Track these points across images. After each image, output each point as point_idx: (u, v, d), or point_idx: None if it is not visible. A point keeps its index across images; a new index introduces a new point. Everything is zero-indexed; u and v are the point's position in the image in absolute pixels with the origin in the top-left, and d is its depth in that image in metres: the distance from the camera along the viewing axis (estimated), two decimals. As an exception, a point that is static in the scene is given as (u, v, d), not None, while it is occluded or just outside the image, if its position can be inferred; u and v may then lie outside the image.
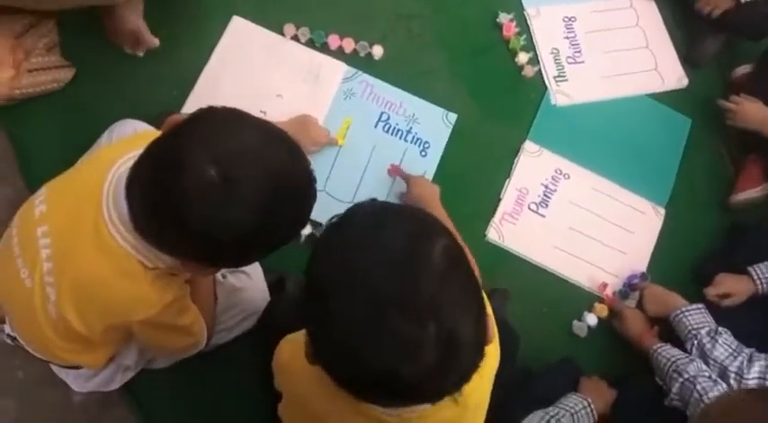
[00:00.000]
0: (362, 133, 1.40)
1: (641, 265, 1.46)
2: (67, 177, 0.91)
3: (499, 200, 1.44)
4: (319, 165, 1.35)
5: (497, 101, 1.52)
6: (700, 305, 1.24)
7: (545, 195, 1.47)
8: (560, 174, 1.49)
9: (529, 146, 1.49)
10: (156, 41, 1.29)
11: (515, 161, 1.47)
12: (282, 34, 1.40)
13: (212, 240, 0.73)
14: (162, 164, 0.71)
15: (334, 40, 1.42)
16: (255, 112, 1.27)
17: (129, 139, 0.97)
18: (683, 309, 1.23)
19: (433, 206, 1.22)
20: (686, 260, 1.49)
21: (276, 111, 1.34)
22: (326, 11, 1.44)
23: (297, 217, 0.80)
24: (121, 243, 0.80)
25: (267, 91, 1.36)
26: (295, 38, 1.41)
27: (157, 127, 1.15)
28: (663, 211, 1.52)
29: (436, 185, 1.28)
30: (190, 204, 0.70)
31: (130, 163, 0.77)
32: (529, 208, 1.45)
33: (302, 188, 0.78)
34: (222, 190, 0.70)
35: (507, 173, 1.46)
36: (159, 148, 0.73)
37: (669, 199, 1.53)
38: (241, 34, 1.38)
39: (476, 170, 1.44)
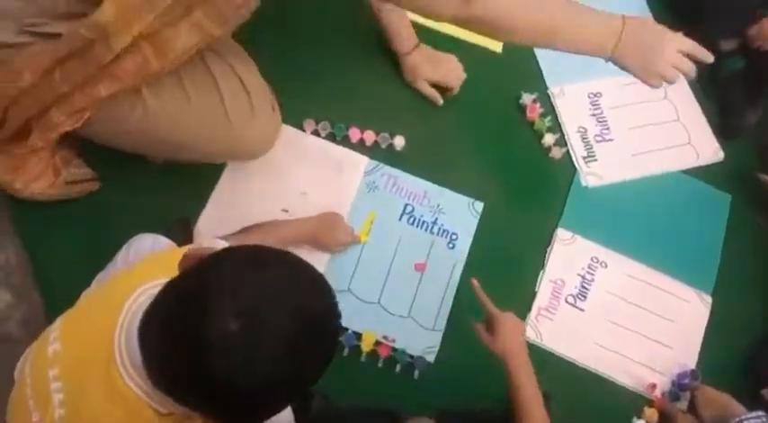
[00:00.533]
0: (387, 227, 1.35)
1: (690, 359, 1.37)
2: (81, 311, 0.87)
3: (534, 294, 1.37)
4: (343, 263, 1.31)
5: (525, 186, 1.47)
6: (760, 413, 1.14)
7: (582, 287, 1.39)
8: (597, 262, 1.42)
9: (562, 233, 1.43)
10: None
11: (548, 251, 1.41)
12: (303, 129, 1.38)
13: (236, 397, 0.67)
14: (177, 322, 0.67)
15: (354, 133, 1.39)
16: (277, 211, 1.30)
17: (142, 267, 0.93)
18: (743, 417, 1.13)
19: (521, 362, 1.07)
20: (739, 352, 1.39)
21: (299, 208, 1.31)
22: (346, 104, 1.42)
23: (324, 357, 0.74)
24: (134, 389, 0.75)
25: (289, 189, 1.33)
26: (315, 133, 1.38)
27: (174, 236, 1.13)
28: (709, 299, 1.42)
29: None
30: (211, 360, 0.65)
31: (142, 299, 0.73)
32: (566, 301, 1.38)
33: (330, 328, 0.73)
34: (247, 344, 0.65)
35: (541, 263, 1.39)
36: (174, 301, 0.69)
37: (715, 284, 1.45)
38: None
39: (507, 262, 1.38)
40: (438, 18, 1.07)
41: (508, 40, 1.17)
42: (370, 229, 1.34)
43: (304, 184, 1.34)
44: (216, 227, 1.26)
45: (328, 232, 1.24)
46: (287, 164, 1.35)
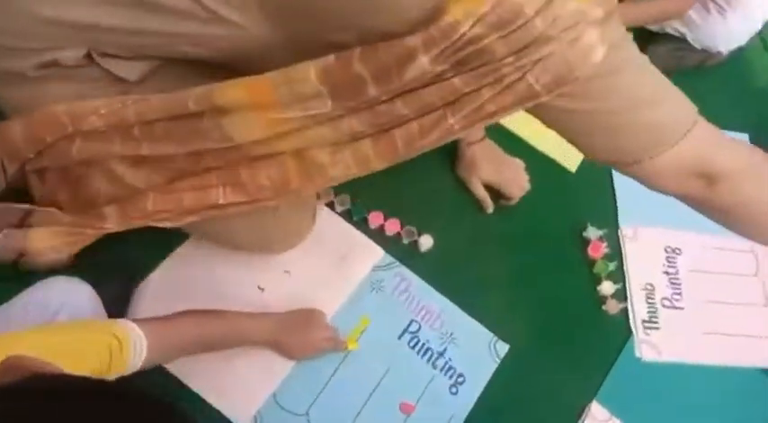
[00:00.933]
0: (380, 343, 1.06)
1: None
2: None
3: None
4: (308, 377, 1.01)
5: (565, 338, 1.17)
6: None
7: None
8: (634, 460, 1.10)
9: (597, 411, 1.10)
10: None
11: (577, 430, 1.09)
12: (317, 196, 1.14)
13: None
14: None
15: (376, 218, 1.14)
16: (252, 288, 1.03)
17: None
18: None
19: None
20: None
21: (277, 290, 1.05)
22: (375, 183, 1.17)
23: None
24: None
25: (272, 262, 1.07)
26: (330, 205, 1.14)
27: (108, 291, 0.88)
28: None
29: None
30: None
31: None
32: None
33: None
34: None
35: (564, 445, 1.08)
36: None
37: None
38: None
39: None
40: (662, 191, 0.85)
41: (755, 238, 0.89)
42: (359, 337, 1.06)
43: (292, 260, 1.07)
44: (164, 293, 1.00)
45: (302, 335, 0.97)
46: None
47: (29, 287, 0.78)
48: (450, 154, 1.24)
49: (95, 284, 0.85)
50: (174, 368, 0.94)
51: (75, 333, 0.67)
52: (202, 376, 0.95)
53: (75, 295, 0.78)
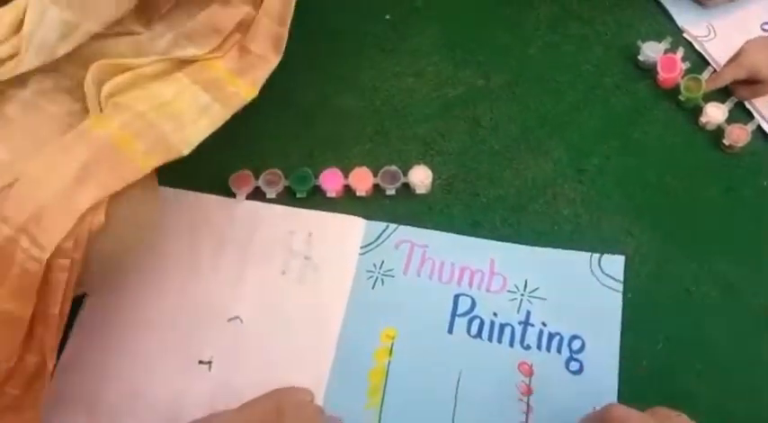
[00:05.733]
0: (426, 356, 0.67)
1: None
2: None
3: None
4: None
5: (692, 211, 0.76)
6: None
7: None
8: None
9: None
10: None
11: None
12: (231, 193, 0.78)
13: None
14: None
15: (331, 180, 0.76)
16: (193, 369, 0.63)
17: None
18: None
19: None
20: None
21: (231, 356, 0.67)
22: (307, 134, 0.81)
23: None
24: None
25: (210, 313, 0.69)
26: (256, 194, 0.77)
27: None
28: None
29: None
30: None
31: None
32: None
33: None
34: None
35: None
36: None
37: None
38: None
39: (711, 376, 0.66)
40: None
41: None
42: (388, 367, 0.67)
43: (237, 301, 0.70)
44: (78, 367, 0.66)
45: None
46: (199, 267, 0.73)
47: None
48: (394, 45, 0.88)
49: None
50: None
51: None
52: None
53: None
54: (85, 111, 0.56)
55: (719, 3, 0.90)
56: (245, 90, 0.61)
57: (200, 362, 0.66)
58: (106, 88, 0.54)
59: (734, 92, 0.83)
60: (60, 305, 0.51)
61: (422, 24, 0.93)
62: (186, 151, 0.56)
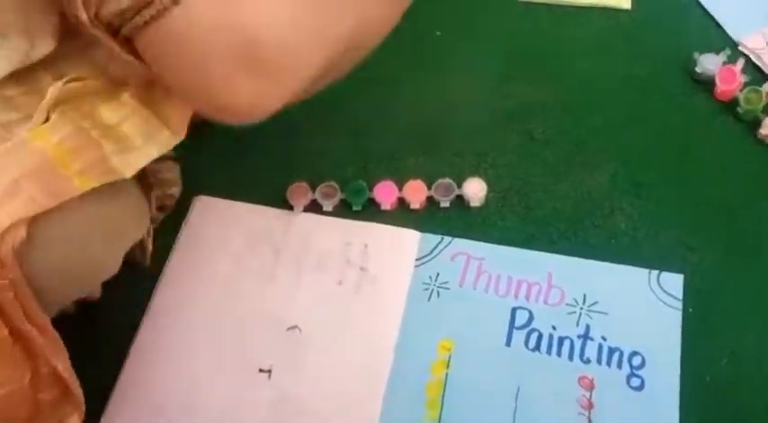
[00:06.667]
0: (482, 367, 0.68)
1: None
2: None
3: None
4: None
5: (755, 229, 0.76)
6: None
7: None
8: None
9: None
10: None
11: None
12: (289, 205, 0.80)
13: None
14: None
15: (386, 192, 0.77)
16: (252, 375, 0.64)
17: None
18: None
19: None
20: None
21: (289, 363, 0.68)
22: (363, 145, 0.83)
23: None
24: None
25: (269, 323, 0.71)
26: (313, 206, 0.79)
27: None
28: None
29: None
30: None
31: None
32: None
33: None
34: None
35: None
36: None
37: None
38: (212, 225, 0.77)
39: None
40: None
41: None
42: (446, 382, 0.68)
43: (293, 310, 0.72)
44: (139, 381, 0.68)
45: None
46: (260, 278, 0.75)
47: None
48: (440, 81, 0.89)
49: None
50: None
51: None
52: None
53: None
54: (25, 120, 0.51)
55: None
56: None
57: (261, 370, 0.68)
58: (54, 93, 0.50)
59: None
60: (32, 320, 0.49)
61: (471, 39, 0.94)
62: (129, 175, 0.52)
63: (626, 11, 0.95)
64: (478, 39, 0.94)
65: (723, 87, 0.84)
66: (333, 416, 0.66)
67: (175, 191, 0.78)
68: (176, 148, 0.55)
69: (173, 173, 0.76)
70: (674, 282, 0.70)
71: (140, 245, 0.71)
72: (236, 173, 0.83)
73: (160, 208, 0.74)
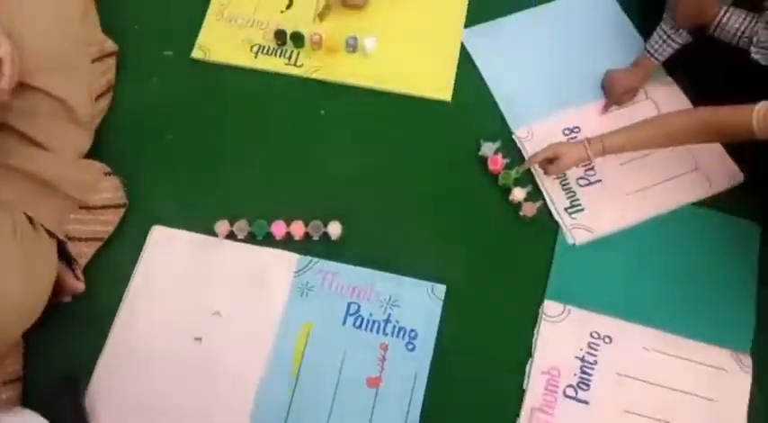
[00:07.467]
0: (328, 337, 1.20)
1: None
2: None
3: (523, 392, 1.18)
4: (272, 399, 1.15)
5: (495, 257, 1.29)
6: None
7: (583, 372, 1.19)
8: (598, 338, 1.22)
9: (549, 307, 1.24)
10: (81, 286, 1.19)
11: (535, 333, 1.22)
12: (214, 234, 1.26)
13: None
14: None
15: (279, 228, 1.26)
16: (189, 342, 1.16)
17: None
18: None
19: None
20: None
21: (215, 334, 1.18)
22: (266, 196, 1.31)
23: None
24: None
25: (201, 311, 1.20)
26: (231, 236, 1.26)
27: (61, 403, 1.01)
28: (749, 361, 1.21)
29: None
30: None
31: None
32: (565, 395, 1.17)
33: None
34: None
35: (527, 352, 1.21)
36: None
37: (754, 338, 1.22)
38: (164, 246, 1.25)
39: (484, 356, 1.20)
40: None
41: None
42: (306, 344, 1.19)
43: (217, 301, 1.21)
44: (116, 378, 1.15)
45: None
46: (196, 281, 1.23)
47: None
48: (319, 151, 1.38)
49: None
50: None
51: None
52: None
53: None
54: None
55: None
56: None
57: (195, 338, 1.18)
58: None
59: (544, 170, 1.34)
60: None
61: (337, 118, 1.42)
62: None
63: (446, 102, 1.45)
64: (341, 118, 1.41)
65: (492, 166, 1.36)
66: (238, 364, 1.16)
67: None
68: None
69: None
70: (441, 289, 1.24)
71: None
72: (181, 210, 1.29)
73: None
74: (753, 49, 1.23)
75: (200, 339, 1.17)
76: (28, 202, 1.13)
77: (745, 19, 1.24)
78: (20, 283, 1.01)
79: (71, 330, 1.17)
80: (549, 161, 1.30)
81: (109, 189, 1.26)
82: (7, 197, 1.11)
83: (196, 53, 1.46)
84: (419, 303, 1.23)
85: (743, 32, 1.24)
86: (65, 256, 1.17)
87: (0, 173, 1.13)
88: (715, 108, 1.16)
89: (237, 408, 1.13)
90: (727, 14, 1.25)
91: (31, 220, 1.11)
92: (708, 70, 1.41)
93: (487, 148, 1.38)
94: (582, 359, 1.20)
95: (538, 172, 1.37)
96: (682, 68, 1.45)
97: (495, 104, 1.45)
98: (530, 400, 1.17)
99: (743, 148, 1.34)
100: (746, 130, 1.09)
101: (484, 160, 1.37)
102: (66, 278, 1.16)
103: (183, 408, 1.13)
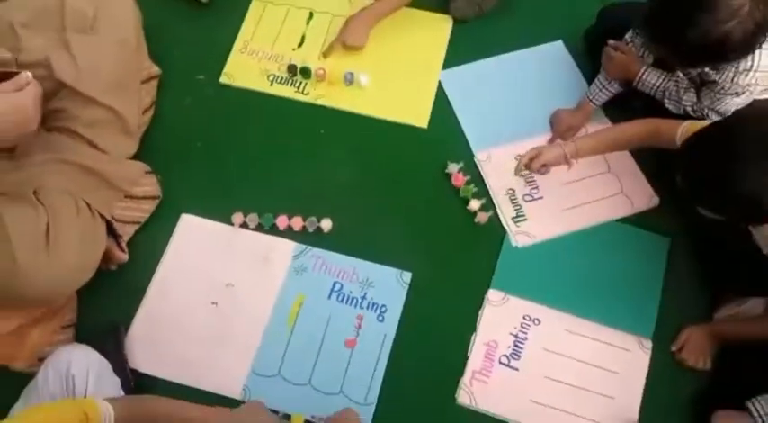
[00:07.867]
0: (316, 307, 1.52)
1: (632, 409, 1.46)
2: None
3: (466, 358, 1.50)
4: (273, 349, 1.48)
5: (453, 252, 1.63)
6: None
7: (516, 346, 1.52)
8: (529, 320, 1.55)
9: (492, 294, 1.56)
10: (125, 257, 1.52)
11: (480, 314, 1.54)
12: (231, 223, 1.59)
13: None
14: None
15: (282, 221, 1.59)
16: (207, 305, 1.48)
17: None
18: None
19: None
20: (684, 396, 1.47)
21: (228, 300, 1.51)
22: (273, 195, 1.65)
23: None
24: None
25: (217, 282, 1.53)
26: (244, 225, 1.59)
27: (108, 347, 1.33)
28: (650, 344, 1.53)
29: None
30: None
31: None
32: (500, 362, 1.50)
33: None
34: None
35: (473, 327, 1.53)
36: None
37: (656, 327, 1.55)
38: (191, 231, 1.59)
39: (438, 328, 1.52)
40: None
41: None
42: (299, 311, 1.51)
43: (230, 275, 1.54)
44: (149, 328, 1.48)
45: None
46: (216, 259, 1.56)
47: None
48: (318, 156, 1.71)
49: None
50: (161, 371, 1.43)
51: (51, 411, 0.95)
52: (189, 370, 1.43)
53: (86, 359, 1.24)
54: None
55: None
56: None
57: (212, 303, 1.50)
58: None
59: (528, 166, 1.58)
60: None
61: (334, 137, 1.76)
62: None
63: (423, 129, 1.79)
64: (337, 137, 1.75)
65: (455, 182, 1.70)
66: (245, 323, 1.48)
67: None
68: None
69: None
70: (407, 276, 1.57)
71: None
72: (204, 203, 1.61)
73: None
74: (666, 100, 1.58)
75: (216, 304, 1.50)
76: (87, 192, 1.45)
77: (659, 77, 1.58)
78: (78, 251, 1.34)
79: (116, 291, 1.50)
80: (532, 160, 1.55)
81: (148, 184, 1.60)
82: (72, 187, 1.43)
83: (223, 79, 1.82)
84: (390, 285, 1.56)
85: (658, 87, 1.58)
86: (112, 233, 1.49)
87: (67, 169, 1.45)
88: (659, 120, 1.47)
89: (248, 347, 1.47)
90: (647, 73, 1.59)
91: (88, 205, 1.44)
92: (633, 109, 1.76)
93: (453, 167, 1.72)
94: (515, 336, 1.53)
95: (491, 188, 1.71)
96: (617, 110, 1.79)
97: (462, 132, 1.79)
98: (472, 364, 1.49)
99: (660, 176, 1.69)
100: (672, 140, 1.39)
101: (449, 176, 1.71)
102: (114, 250, 1.48)
103: (201, 350, 1.46)
